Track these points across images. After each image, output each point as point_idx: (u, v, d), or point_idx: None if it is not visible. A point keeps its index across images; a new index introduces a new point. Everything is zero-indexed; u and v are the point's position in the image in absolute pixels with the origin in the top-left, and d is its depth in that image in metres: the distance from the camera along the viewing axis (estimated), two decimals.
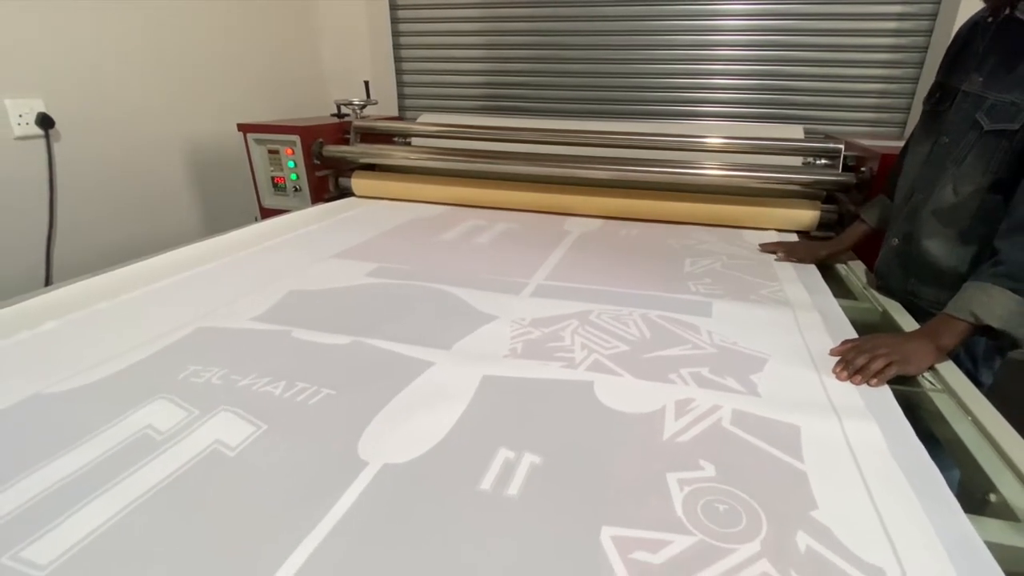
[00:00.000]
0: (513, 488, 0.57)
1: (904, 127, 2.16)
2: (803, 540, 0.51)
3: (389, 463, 0.60)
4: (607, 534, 0.51)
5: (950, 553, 0.50)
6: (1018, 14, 0.90)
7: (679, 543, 0.50)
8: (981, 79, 0.97)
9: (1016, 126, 0.89)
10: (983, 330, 0.85)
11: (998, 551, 0.53)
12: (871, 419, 0.70)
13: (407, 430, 0.66)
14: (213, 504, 0.54)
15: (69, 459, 0.60)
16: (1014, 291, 0.82)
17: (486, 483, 0.58)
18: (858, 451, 0.63)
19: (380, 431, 0.65)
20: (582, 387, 0.76)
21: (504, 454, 0.62)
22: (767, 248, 1.42)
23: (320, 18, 2.63)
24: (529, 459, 0.61)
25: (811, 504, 0.55)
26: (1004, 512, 0.62)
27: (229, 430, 0.65)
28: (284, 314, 0.97)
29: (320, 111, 2.53)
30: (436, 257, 1.31)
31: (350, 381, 0.76)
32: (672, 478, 0.58)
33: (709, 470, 0.60)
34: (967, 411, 0.79)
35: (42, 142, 1.60)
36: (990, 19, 0.98)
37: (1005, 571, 0.50)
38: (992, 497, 0.65)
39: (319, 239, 1.45)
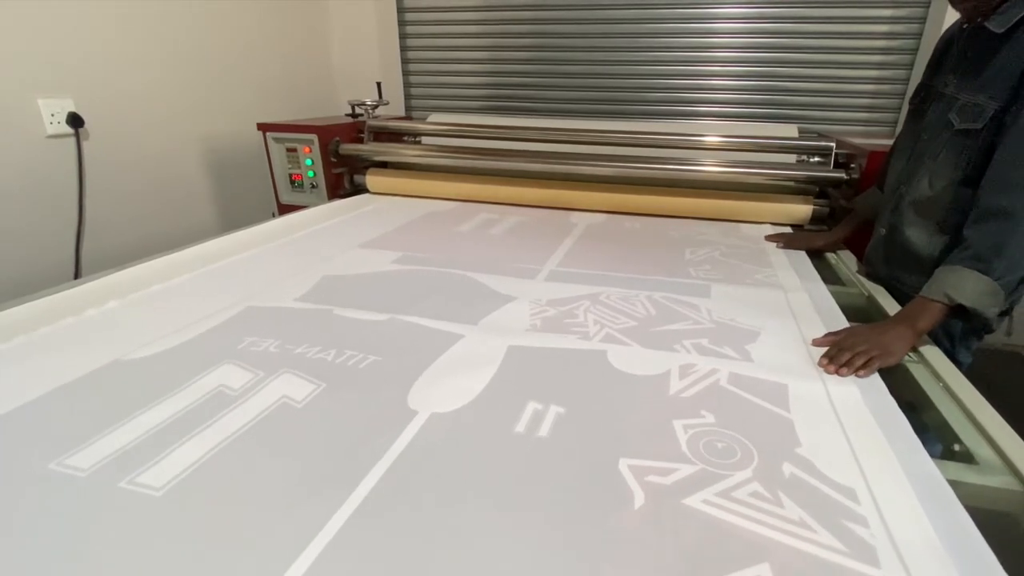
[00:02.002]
0: (543, 431, 0.67)
1: (895, 126, 2.25)
2: (788, 468, 0.61)
3: (436, 412, 0.70)
4: (624, 464, 0.61)
5: (911, 481, 0.60)
6: (984, 23, 0.99)
7: (684, 470, 0.60)
8: (955, 81, 1.05)
9: (980, 125, 0.97)
10: (956, 310, 0.92)
11: (957, 487, 0.62)
12: (850, 380, 0.80)
13: (448, 387, 0.76)
14: (289, 445, 0.64)
15: (158, 411, 0.70)
16: (982, 272, 0.90)
17: (520, 427, 0.68)
18: (837, 403, 0.73)
19: (425, 388, 0.75)
20: (597, 355, 0.86)
21: (533, 406, 0.72)
22: (770, 239, 1.52)
23: (330, 21, 2.72)
24: (555, 409, 0.71)
25: (795, 443, 0.65)
26: (966, 458, 0.72)
27: (293, 387, 0.75)
28: (323, 295, 1.07)
29: (329, 111, 2.62)
30: (455, 247, 1.41)
31: (392, 350, 0.86)
32: (677, 424, 0.68)
33: (709, 418, 0.70)
34: (939, 378, 0.88)
35: (72, 140, 1.67)
36: (965, 26, 1.07)
37: (963, 504, 0.59)
38: (956, 447, 0.75)
39: (341, 231, 1.55)
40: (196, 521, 0.53)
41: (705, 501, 0.56)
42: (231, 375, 0.77)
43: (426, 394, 0.74)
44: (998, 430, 0.74)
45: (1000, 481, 0.67)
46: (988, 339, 1.13)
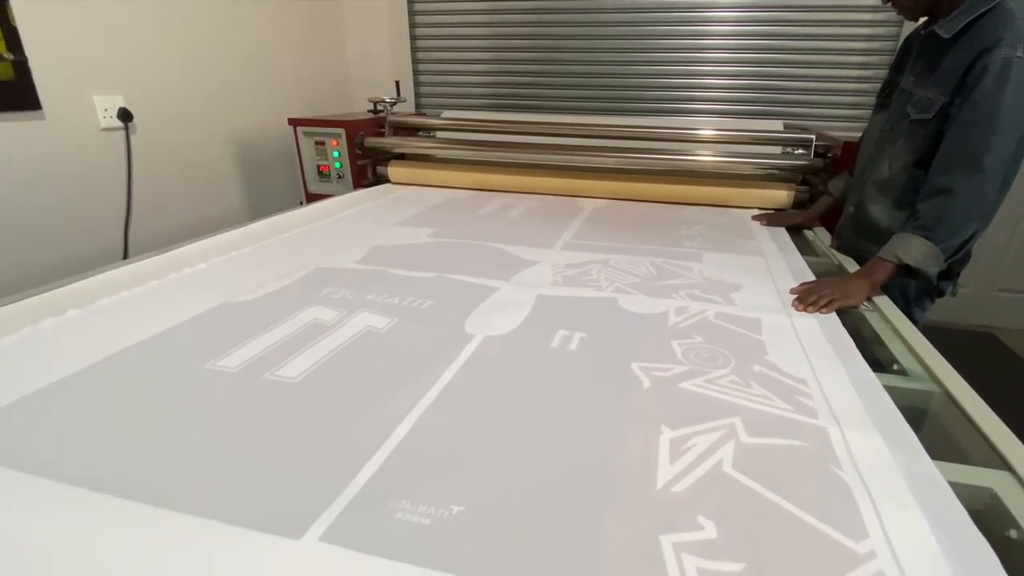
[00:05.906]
0: (572, 346, 0.88)
1: None
2: (757, 368, 0.82)
3: (488, 335, 0.91)
4: (635, 365, 0.82)
5: (850, 376, 0.81)
6: (935, 28, 1.18)
7: (679, 369, 0.81)
8: (912, 79, 1.24)
9: (930, 116, 1.16)
10: (905, 269, 1.12)
11: (891, 391, 0.82)
12: (812, 316, 1.00)
13: (494, 321, 0.96)
14: (381, 354, 0.85)
15: (272, 334, 0.90)
16: (927, 238, 1.10)
17: (554, 343, 0.89)
18: (800, 331, 0.94)
19: (476, 321, 0.96)
20: (609, 301, 1.07)
21: (562, 332, 0.93)
22: (756, 218, 1.73)
23: (345, 24, 2.91)
24: (579, 334, 0.92)
25: (764, 353, 0.86)
26: (900, 372, 0.93)
27: (374, 319, 0.95)
28: (377, 259, 1.27)
29: (345, 107, 2.82)
30: (479, 225, 1.61)
31: (444, 297, 1.06)
32: (674, 343, 0.89)
33: (699, 339, 0.91)
34: (887, 321, 1.09)
35: (122, 133, 1.85)
36: (922, 31, 1.27)
37: (896, 403, 0.78)
38: (895, 366, 0.95)
39: (375, 214, 1.74)
40: (329, 397, 0.73)
41: (695, 385, 0.77)
42: (321, 312, 0.98)
43: (478, 324, 0.95)
44: (928, 353, 0.94)
45: (923, 386, 0.86)
46: (970, 323, 1.32)
